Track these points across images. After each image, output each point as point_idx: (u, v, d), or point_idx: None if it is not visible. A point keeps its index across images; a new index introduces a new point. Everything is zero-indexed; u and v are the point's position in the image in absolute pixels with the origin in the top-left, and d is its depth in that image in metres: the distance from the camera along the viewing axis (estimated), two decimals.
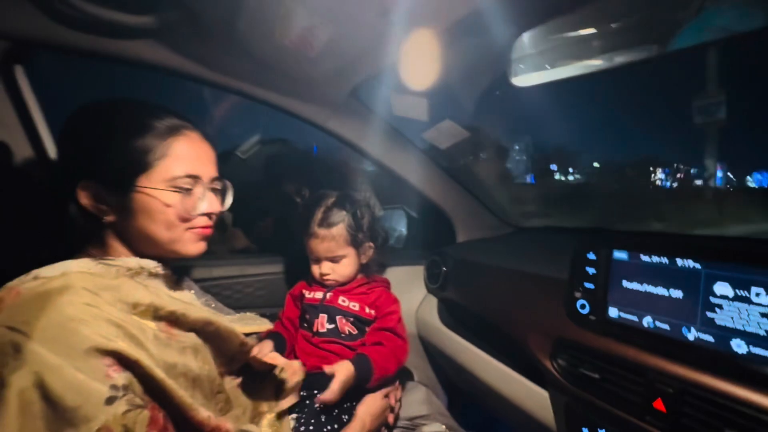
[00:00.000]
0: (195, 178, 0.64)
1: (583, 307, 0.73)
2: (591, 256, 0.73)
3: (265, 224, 1.49)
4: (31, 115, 0.81)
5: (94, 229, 0.61)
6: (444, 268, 1.23)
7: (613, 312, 0.70)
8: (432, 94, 1.02)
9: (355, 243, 0.90)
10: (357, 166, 1.56)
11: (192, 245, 0.66)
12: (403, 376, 1.01)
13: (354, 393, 0.88)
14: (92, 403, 0.45)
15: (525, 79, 0.64)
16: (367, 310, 0.91)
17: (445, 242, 1.38)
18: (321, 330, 0.90)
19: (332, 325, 0.89)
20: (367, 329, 0.92)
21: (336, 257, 0.89)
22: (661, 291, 0.63)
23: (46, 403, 0.43)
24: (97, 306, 0.51)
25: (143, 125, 0.60)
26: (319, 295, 0.93)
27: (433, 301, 1.28)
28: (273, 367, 0.76)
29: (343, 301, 0.91)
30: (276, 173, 1.67)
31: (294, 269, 1.18)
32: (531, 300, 0.89)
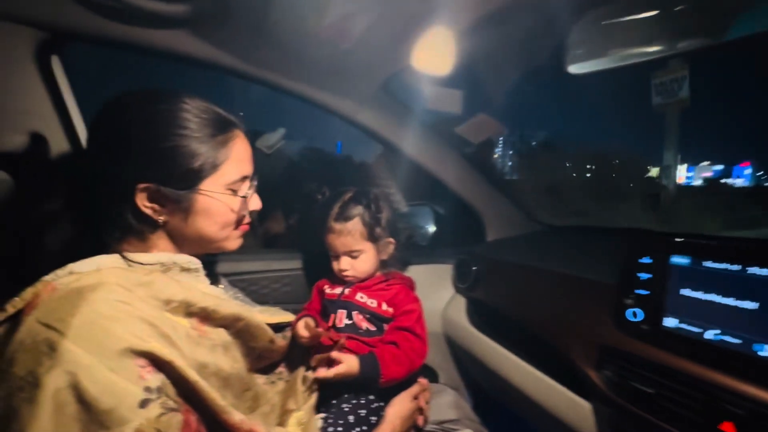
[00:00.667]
0: (246, 178, 0.64)
1: (634, 315, 0.68)
2: (646, 260, 0.68)
3: (289, 219, 1.48)
4: (66, 107, 0.81)
5: (143, 227, 0.59)
6: (474, 268, 1.18)
7: (670, 322, 0.64)
8: (467, 85, 0.98)
9: (373, 238, 0.88)
10: (381, 163, 1.52)
11: (236, 241, 0.68)
12: (429, 378, 0.98)
13: (383, 393, 0.86)
14: (126, 406, 0.44)
15: (582, 66, 0.59)
16: (385, 307, 0.89)
17: (473, 241, 1.34)
18: (339, 325, 0.89)
19: (350, 321, 0.88)
20: (386, 327, 0.89)
21: (353, 252, 0.88)
22: (729, 301, 0.57)
23: (80, 405, 0.42)
24: (130, 303, 0.50)
25: (209, 129, 0.59)
26: (338, 290, 0.92)
27: (461, 302, 1.24)
28: (318, 339, 0.79)
29: (360, 297, 0.90)
30: (301, 170, 1.65)
31: (320, 266, 1.16)
32: (572, 304, 0.84)
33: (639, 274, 0.68)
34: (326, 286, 0.95)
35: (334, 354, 0.78)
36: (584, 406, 0.77)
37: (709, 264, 0.60)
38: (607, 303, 0.75)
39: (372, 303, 0.89)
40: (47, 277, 0.52)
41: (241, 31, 0.80)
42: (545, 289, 0.93)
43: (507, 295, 1.06)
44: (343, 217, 0.86)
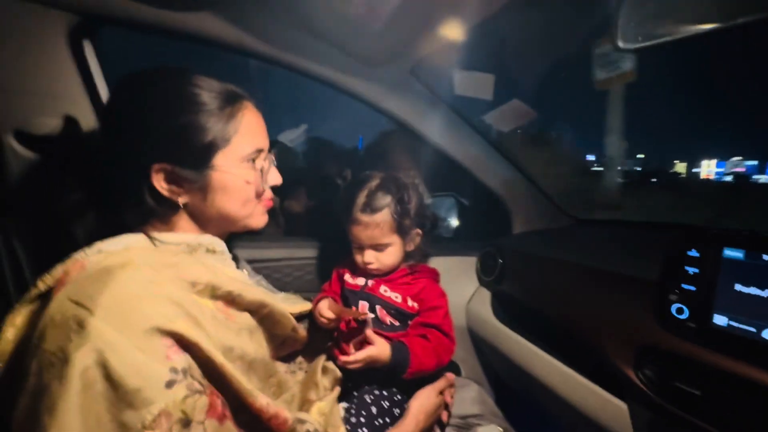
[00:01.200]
0: (261, 151, 0.62)
1: (680, 311, 0.64)
2: (693, 253, 0.63)
3: (309, 207, 1.48)
4: (97, 90, 0.82)
5: (165, 209, 0.58)
6: (500, 260, 1.15)
7: (720, 320, 0.59)
8: (498, 70, 0.94)
9: (402, 230, 0.83)
10: (404, 151, 1.50)
11: (261, 218, 0.66)
12: (452, 371, 0.95)
13: (406, 386, 0.85)
14: (152, 386, 0.43)
15: (635, 40, 0.54)
16: (410, 302, 0.85)
17: (499, 232, 1.30)
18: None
19: (372, 315, 0.85)
20: (410, 322, 0.86)
21: (380, 245, 0.83)
22: None
23: (107, 383, 0.42)
24: (158, 283, 0.50)
25: (218, 102, 0.57)
26: (360, 281, 0.88)
27: (486, 295, 1.21)
28: (337, 322, 0.80)
29: (384, 290, 0.86)
30: (322, 161, 1.65)
31: (344, 255, 1.16)
32: (606, 299, 0.80)
33: (687, 268, 0.63)
34: (347, 275, 0.91)
35: (369, 333, 0.75)
36: (620, 406, 0.73)
37: None
38: (646, 299, 0.70)
39: (396, 297, 0.85)
40: (76, 255, 0.52)
41: (269, 14, 0.78)
42: (578, 284, 0.89)
43: (536, 289, 1.02)
44: (371, 208, 0.80)
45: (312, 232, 1.25)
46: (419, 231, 0.87)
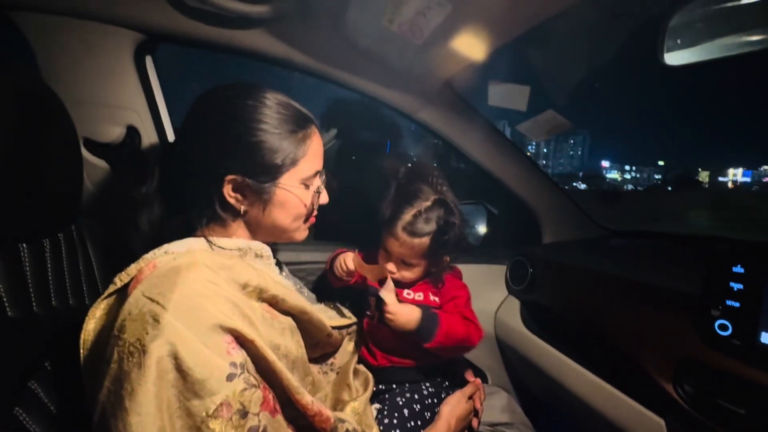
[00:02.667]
0: (318, 173, 0.67)
1: (723, 328, 0.63)
2: (738, 269, 0.62)
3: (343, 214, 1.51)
4: (156, 103, 0.89)
5: (226, 215, 0.63)
6: (531, 270, 1.15)
7: (767, 338, 0.59)
8: (534, 82, 0.94)
9: (433, 257, 0.83)
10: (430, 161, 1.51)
11: (304, 232, 0.71)
12: (481, 380, 0.96)
13: (436, 390, 0.86)
14: (216, 378, 0.47)
15: (680, 56, 0.55)
16: (432, 297, 0.87)
17: (528, 242, 1.30)
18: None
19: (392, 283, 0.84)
20: None
21: (407, 263, 0.84)
22: None
23: (178, 373, 0.45)
24: (217, 284, 0.53)
25: (290, 125, 0.61)
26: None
27: (515, 304, 1.21)
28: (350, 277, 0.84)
29: (408, 294, 0.87)
30: (353, 166, 1.67)
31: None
32: (644, 312, 0.80)
33: (731, 284, 0.63)
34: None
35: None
36: (657, 421, 0.72)
37: None
38: (687, 314, 0.70)
39: (419, 296, 0.87)
40: (147, 256, 0.57)
41: (316, 31, 0.83)
42: (614, 295, 0.88)
43: (568, 299, 1.02)
44: (412, 232, 0.79)
45: (345, 237, 1.28)
46: (448, 258, 0.87)
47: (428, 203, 0.82)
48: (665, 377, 0.70)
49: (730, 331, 0.62)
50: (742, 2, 0.50)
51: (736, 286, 0.63)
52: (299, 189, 0.64)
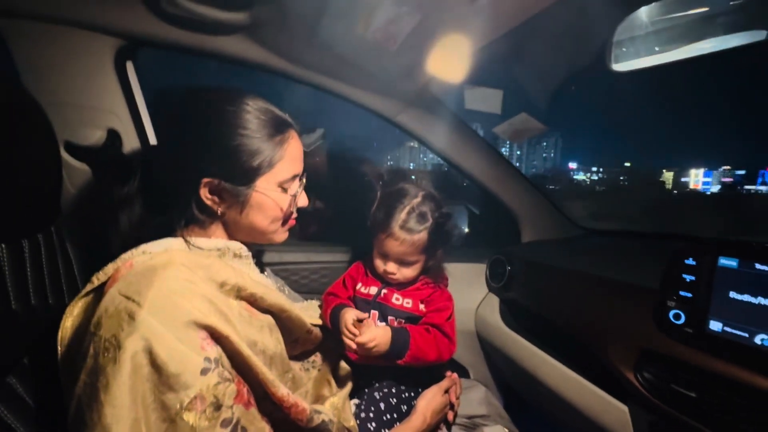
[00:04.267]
0: (296, 176, 0.68)
1: (677, 317, 0.67)
2: (690, 261, 0.67)
3: (325, 214, 1.53)
4: (137, 106, 0.90)
5: (204, 217, 0.64)
6: (508, 268, 1.18)
7: (715, 325, 0.63)
8: (507, 86, 0.98)
9: (431, 251, 0.86)
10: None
11: (283, 235, 0.72)
12: (460, 374, 0.99)
13: (414, 385, 0.88)
14: (190, 372, 0.48)
15: (627, 63, 0.59)
16: (421, 306, 0.88)
17: (508, 241, 1.34)
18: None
19: (383, 323, 0.87)
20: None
21: (406, 261, 0.85)
22: None
23: (152, 367, 0.47)
24: (194, 282, 0.55)
25: (268, 129, 0.63)
26: (373, 290, 0.90)
27: (494, 301, 1.24)
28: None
29: (396, 299, 0.88)
30: (340, 167, 1.70)
31: (357, 259, 1.20)
32: (609, 307, 0.83)
33: (684, 276, 0.67)
34: (360, 283, 0.93)
35: (366, 324, 0.79)
36: (621, 408, 0.76)
37: (760, 266, 0.59)
38: (648, 306, 0.73)
39: (407, 303, 0.88)
40: (125, 255, 0.58)
41: (294, 36, 0.85)
42: (582, 291, 0.92)
43: (542, 296, 1.06)
44: (409, 227, 0.81)
45: (327, 237, 1.31)
46: (441, 251, 0.89)
47: (418, 199, 0.84)
48: (628, 366, 0.73)
49: (683, 320, 0.66)
50: (683, 13, 0.54)
51: (689, 277, 0.67)
52: (276, 192, 0.65)
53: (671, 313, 0.67)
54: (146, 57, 0.96)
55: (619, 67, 0.60)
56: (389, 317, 0.88)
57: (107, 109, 0.85)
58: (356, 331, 0.78)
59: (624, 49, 0.58)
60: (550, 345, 1.00)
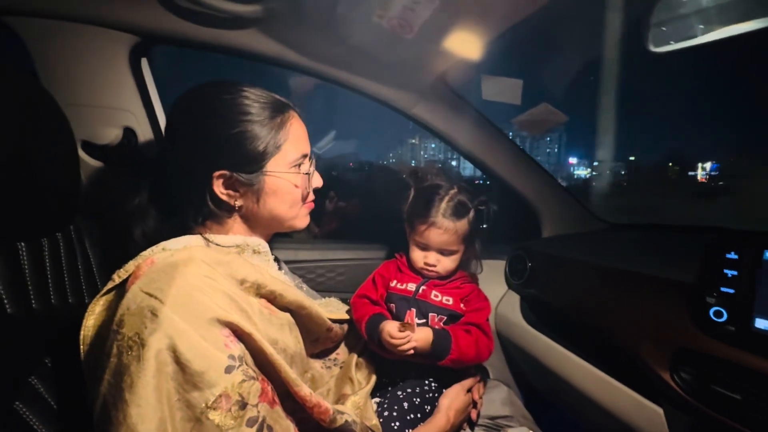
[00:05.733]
0: (306, 156, 0.67)
1: (718, 314, 0.63)
2: (732, 255, 0.62)
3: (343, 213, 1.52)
4: (152, 104, 0.90)
5: (221, 212, 0.64)
6: (529, 264, 1.15)
7: (762, 323, 0.59)
8: (527, 75, 0.95)
9: (471, 240, 0.87)
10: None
11: (305, 219, 0.71)
12: (481, 373, 0.96)
13: (436, 384, 0.86)
14: (214, 370, 0.47)
15: (667, 44, 0.55)
16: (461, 305, 0.87)
17: (527, 237, 1.30)
18: None
19: (422, 321, 0.86)
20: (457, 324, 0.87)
21: (448, 251, 0.86)
22: None
23: (177, 365, 0.46)
24: (214, 279, 0.54)
25: (268, 112, 0.62)
26: (411, 286, 0.89)
27: (515, 298, 1.21)
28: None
29: (435, 296, 0.87)
30: (353, 170, 1.69)
31: (373, 257, 1.19)
32: (640, 303, 0.79)
33: (725, 271, 0.63)
34: (395, 280, 0.92)
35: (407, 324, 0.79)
36: (655, 410, 0.72)
37: None
38: (683, 302, 0.69)
39: (448, 301, 0.87)
40: (145, 253, 0.57)
41: (307, 29, 0.83)
42: (610, 286, 0.88)
43: (566, 292, 1.02)
44: (454, 215, 0.84)
45: (342, 235, 1.30)
46: (479, 243, 0.91)
47: (455, 190, 0.87)
48: (662, 366, 0.70)
49: (725, 318, 0.62)
50: None
51: (731, 272, 0.63)
52: (288, 174, 0.64)
53: (712, 311, 0.63)
54: (161, 55, 0.95)
55: (658, 48, 0.56)
56: (430, 314, 0.86)
57: (123, 107, 0.85)
58: (404, 339, 0.77)
59: (664, 29, 0.54)
60: (576, 343, 0.96)
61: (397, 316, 0.87)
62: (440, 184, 0.89)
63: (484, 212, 0.87)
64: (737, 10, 0.55)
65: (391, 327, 0.79)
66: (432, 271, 0.88)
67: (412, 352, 0.78)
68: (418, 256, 0.88)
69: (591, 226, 1.29)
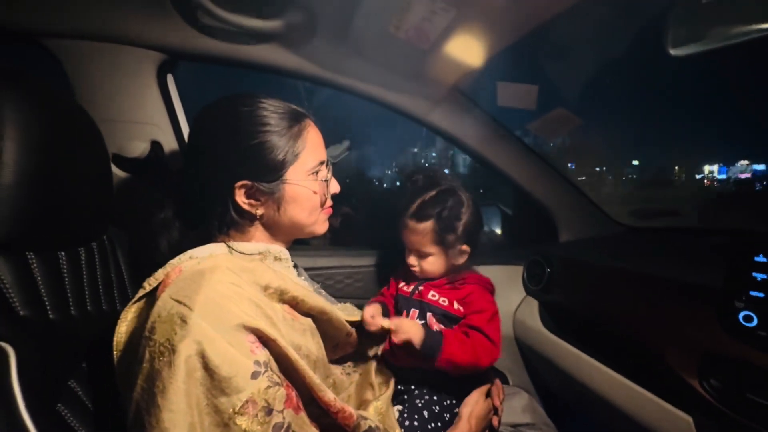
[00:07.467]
0: (323, 163, 0.69)
1: (748, 319, 0.61)
2: (761, 258, 0.61)
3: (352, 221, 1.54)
4: (177, 118, 0.93)
5: (243, 221, 0.65)
6: (548, 269, 1.14)
7: None
8: (542, 82, 0.95)
9: (444, 243, 0.85)
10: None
11: (324, 225, 0.73)
12: (499, 378, 0.95)
13: (455, 391, 0.86)
14: (241, 376, 0.48)
15: (687, 46, 0.55)
16: (456, 306, 0.87)
17: (544, 241, 1.29)
18: None
19: (422, 321, 0.87)
20: (455, 327, 0.87)
21: (422, 252, 0.87)
22: None
23: (206, 371, 0.47)
24: (240, 286, 0.55)
25: (286, 122, 0.64)
26: (411, 287, 0.91)
27: (533, 304, 1.20)
28: (386, 330, 0.78)
29: (433, 295, 0.88)
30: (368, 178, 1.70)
31: (390, 264, 1.20)
32: (666, 308, 0.78)
33: (754, 274, 0.61)
34: (402, 282, 0.95)
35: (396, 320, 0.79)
36: (684, 418, 0.70)
37: None
38: (708, 306, 0.68)
39: (443, 301, 0.88)
40: (173, 261, 0.59)
41: (326, 41, 0.86)
42: (634, 292, 0.87)
43: (587, 298, 1.01)
44: (417, 216, 0.84)
45: (360, 242, 1.31)
46: (466, 248, 0.87)
47: (433, 192, 0.86)
48: (690, 373, 0.68)
49: (755, 323, 0.61)
50: None
51: (760, 276, 0.61)
52: (307, 181, 0.66)
53: (741, 315, 0.62)
54: (184, 71, 0.99)
55: (678, 51, 0.56)
56: (428, 313, 0.87)
57: (150, 121, 0.89)
58: (372, 322, 0.79)
59: (685, 32, 0.54)
60: (598, 349, 0.94)
61: (401, 314, 0.90)
62: (429, 186, 0.88)
63: (452, 217, 0.83)
64: (758, 11, 0.55)
65: (367, 308, 0.82)
66: (415, 271, 0.89)
67: (403, 336, 0.77)
68: (407, 257, 0.90)
69: (609, 230, 1.28)
